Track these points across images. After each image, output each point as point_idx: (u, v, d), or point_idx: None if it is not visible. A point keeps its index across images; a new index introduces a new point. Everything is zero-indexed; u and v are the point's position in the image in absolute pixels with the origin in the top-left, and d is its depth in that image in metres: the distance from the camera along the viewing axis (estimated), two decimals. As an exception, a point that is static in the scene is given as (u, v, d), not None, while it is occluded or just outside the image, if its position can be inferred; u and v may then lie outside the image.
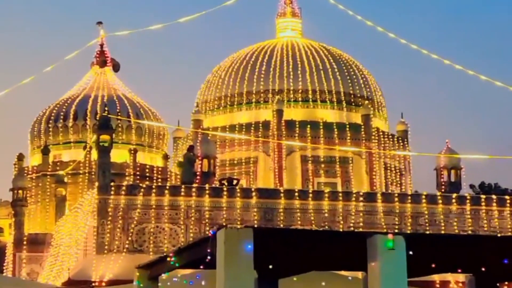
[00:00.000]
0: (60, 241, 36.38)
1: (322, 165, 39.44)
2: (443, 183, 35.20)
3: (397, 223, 30.30)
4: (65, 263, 33.41)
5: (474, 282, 14.75)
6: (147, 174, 40.97)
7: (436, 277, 24.38)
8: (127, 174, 38.70)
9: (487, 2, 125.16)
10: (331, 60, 43.03)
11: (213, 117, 43.34)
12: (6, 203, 44.48)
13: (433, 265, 14.76)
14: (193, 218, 31.40)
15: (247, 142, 38.98)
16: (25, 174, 41.48)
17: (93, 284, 27.28)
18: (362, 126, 40.53)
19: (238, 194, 31.33)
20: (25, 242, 38.57)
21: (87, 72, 46.23)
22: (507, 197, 33.25)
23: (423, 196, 31.45)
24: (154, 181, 39.31)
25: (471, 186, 38.49)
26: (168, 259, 16.81)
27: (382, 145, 41.59)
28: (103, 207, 30.43)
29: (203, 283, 20.87)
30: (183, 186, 32.58)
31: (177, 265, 16.22)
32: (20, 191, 39.90)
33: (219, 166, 38.01)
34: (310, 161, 39.48)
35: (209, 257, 12.64)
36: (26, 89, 55.22)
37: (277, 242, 13.46)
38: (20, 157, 43.66)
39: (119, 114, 40.72)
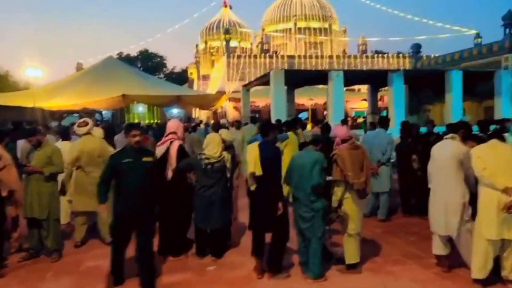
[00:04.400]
0: (216, 76, 39.37)
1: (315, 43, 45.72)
2: (362, 50, 44.10)
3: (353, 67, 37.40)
4: (214, 85, 37.69)
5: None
6: (244, 50, 45.56)
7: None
8: (237, 51, 41.52)
9: None
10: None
11: (270, 26, 47.03)
12: (192, 64, 51.67)
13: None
14: (262, 67, 34.82)
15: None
16: (198, 51, 51.14)
17: (226, 92, 27.83)
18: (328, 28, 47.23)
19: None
20: (201, 78, 46.75)
21: (220, 9, 54.31)
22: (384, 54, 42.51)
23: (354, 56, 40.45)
24: (249, 51, 44.66)
25: (372, 51, 47.80)
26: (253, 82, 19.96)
27: (340, 36, 48.62)
28: (229, 63, 35.67)
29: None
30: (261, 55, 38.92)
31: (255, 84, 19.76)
32: (197, 58, 50.19)
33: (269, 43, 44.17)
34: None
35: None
36: (198, 17, 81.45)
37: (295, 74, 17.48)
38: (196, 45, 52.84)
39: (232, 25, 47.83)
